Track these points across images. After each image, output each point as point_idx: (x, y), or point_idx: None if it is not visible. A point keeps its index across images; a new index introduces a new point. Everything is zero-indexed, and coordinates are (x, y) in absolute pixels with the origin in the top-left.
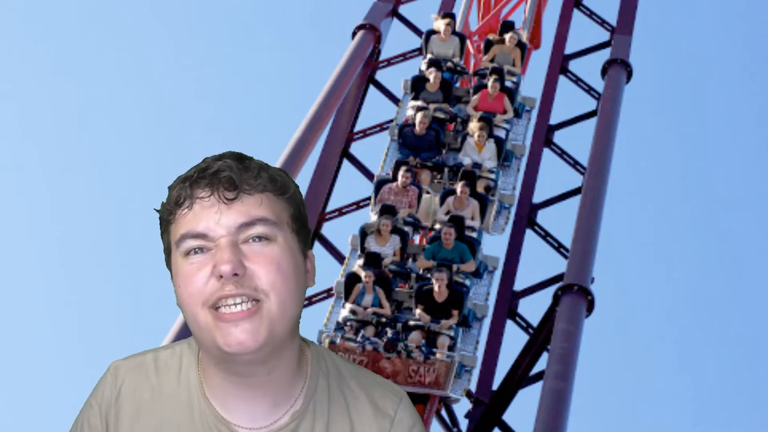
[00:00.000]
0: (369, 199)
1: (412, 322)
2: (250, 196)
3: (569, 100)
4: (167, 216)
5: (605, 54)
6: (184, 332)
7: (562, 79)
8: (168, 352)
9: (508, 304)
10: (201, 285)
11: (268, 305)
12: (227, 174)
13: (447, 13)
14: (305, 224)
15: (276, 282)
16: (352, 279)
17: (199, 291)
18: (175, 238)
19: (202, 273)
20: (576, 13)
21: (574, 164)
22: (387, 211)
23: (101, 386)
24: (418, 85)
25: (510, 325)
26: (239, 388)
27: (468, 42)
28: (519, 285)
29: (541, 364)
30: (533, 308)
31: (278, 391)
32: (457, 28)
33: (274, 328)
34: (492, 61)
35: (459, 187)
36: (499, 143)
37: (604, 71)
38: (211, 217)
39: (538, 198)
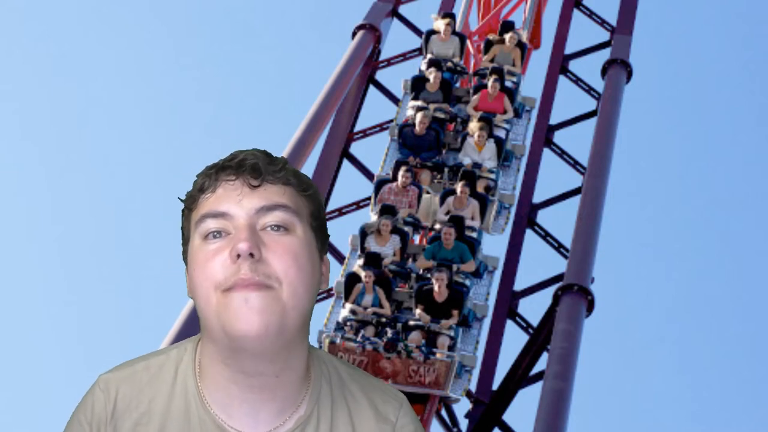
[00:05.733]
0: (369, 199)
1: (412, 322)
2: (273, 185)
3: (569, 100)
4: (190, 203)
5: (605, 54)
6: (185, 332)
7: (562, 79)
8: (161, 359)
9: (508, 304)
10: (218, 268)
11: (279, 292)
12: (253, 161)
13: (447, 13)
14: (324, 226)
15: (290, 271)
16: (352, 279)
17: (215, 274)
18: (195, 219)
19: (220, 257)
20: (576, 13)
21: (574, 164)
22: (387, 211)
23: (90, 401)
24: (418, 85)
25: (510, 325)
26: (245, 391)
27: (468, 42)
28: (519, 285)
29: (541, 364)
30: (533, 308)
31: (285, 396)
32: (457, 28)
33: (285, 314)
34: (492, 61)
35: (459, 187)
36: (499, 143)
37: (604, 71)
38: (233, 198)
39: (538, 198)
